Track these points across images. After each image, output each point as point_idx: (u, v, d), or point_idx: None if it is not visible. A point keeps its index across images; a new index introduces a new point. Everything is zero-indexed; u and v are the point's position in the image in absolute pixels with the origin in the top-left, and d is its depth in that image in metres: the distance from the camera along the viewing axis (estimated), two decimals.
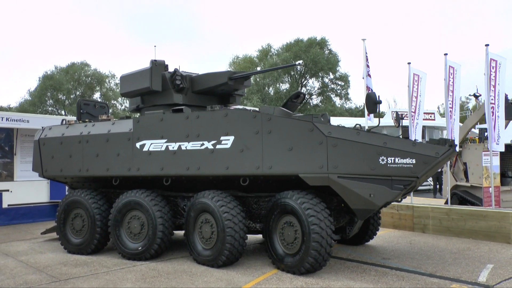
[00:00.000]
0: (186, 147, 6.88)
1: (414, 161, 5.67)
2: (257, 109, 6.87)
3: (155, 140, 7.15)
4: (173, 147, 6.99)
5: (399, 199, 6.56)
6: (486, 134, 19.79)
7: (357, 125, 6.26)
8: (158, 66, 7.71)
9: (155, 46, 10.00)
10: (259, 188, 6.87)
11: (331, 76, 42.45)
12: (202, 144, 6.75)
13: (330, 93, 42.80)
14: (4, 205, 11.92)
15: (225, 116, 6.61)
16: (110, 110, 8.63)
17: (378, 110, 6.02)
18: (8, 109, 41.59)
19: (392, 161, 5.73)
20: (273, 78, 42.89)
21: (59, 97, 41.95)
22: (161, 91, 7.74)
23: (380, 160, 5.76)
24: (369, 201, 5.81)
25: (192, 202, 6.94)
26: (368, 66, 10.66)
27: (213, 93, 8.04)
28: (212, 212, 6.61)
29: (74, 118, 9.46)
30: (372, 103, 5.98)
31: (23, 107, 39.61)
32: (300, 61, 6.89)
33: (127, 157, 7.38)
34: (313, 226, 5.88)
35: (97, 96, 43.63)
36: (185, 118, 6.93)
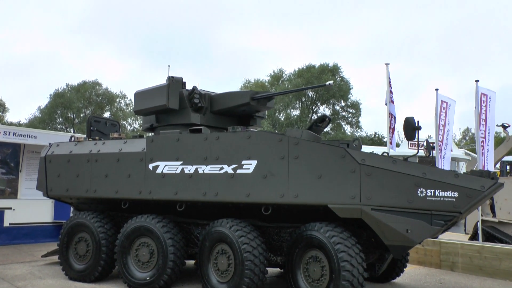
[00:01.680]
0: (203, 171, 6.37)
1: (456, 194, 5.12)
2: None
3: (170, 162, 6.64)
4: (189, 170, 6.48)
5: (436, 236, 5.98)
6: (508, 167, 19.21)
7: (384, 153, 5.74)
8: (175, 83, 7.28)
9: (169, 66, 9.60)
10: (281, 218, 6.32)
11: (342, 103, 42.15)
12: (222, 168, 6.24)
13: (340, 121, 42.39)
14: (6, 224, 11.40)
15: (248, 138, 6.12)
16: (123, 132, 8.17)
17: (417, 136, 5.50)
18: (18, 125, 41.49)
19: (432, 194, 5.19)
20: (284, 103, 42.64)
21: (69, 115, 41.87)
22: (178, 110, 7.29)
23: (418, 192, 5.21)
24: (406, 237, 5.24)
25: (207, 230, 6.39)
26: (391, 91, 10.19)
27: (233, 114, 7.57)
28: (230, 242, 6.04)
29: (84, 135, 9.00)
30: (411, 128, 5.47)
31: (33, 124, 39.49)
32: (331, 82, 6.43)
33: (139, 179, 6.87)
34: (343, 263, 5.30)
35: (106, 115, 43.50)
36: (204, 139, 6.44)
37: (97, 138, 8.00)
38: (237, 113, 7.51)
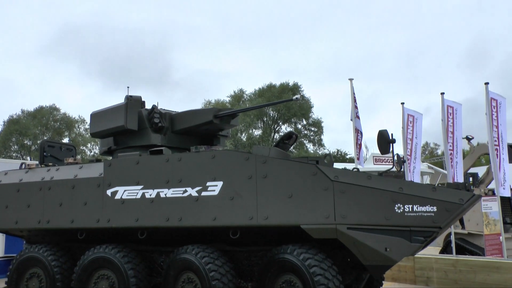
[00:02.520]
0: (165, 195, 5.92)
1: (435, 208, 4.90)
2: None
3: (130, 187, 6.16)
4: (150, 195, 6.02)
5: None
6: (470, 179, 19.52)
7: (355, 169, 5.49)
8: (133, 102, 6.85)
9: (128, 87, 9.14)
10: (251, 241, 5.93)
11: (304, 122, 42.36)
12: (185, 191, 5.81)
13: (303, 139, 42.52)
14: None
15: (212, 158, 5.74)
16: (79, 157, 7.58)
17: (392, 149, 5.28)
18: None
19: (410, 209, 4.94)
20: (246, 124, 42.46)
21: (25, 142, 40.12)
22: (137, 131, 6.84)
23: (396, 208, 4.96)
24: (385, 256, 4.95)
25: (172, 258, 5.92)
26: (356, 107, 10.09)
27: (196, 134, 7.18)
28: (197, 270, 5.60)
29: (36, 162, 8.36)
30: (385, 142, 5.24)
31: None
32: (298, 96, 6.17)
33: (96, 207, 6.34)
34: (320, 287, 4.95)
35: (65, 141, 41.97)
36: (165, 160, 6.01)
37: (50, 164, 7.41)
38: (200, 132, 7.13)
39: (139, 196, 6.08)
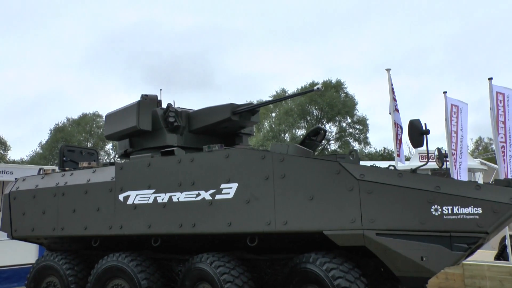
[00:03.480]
0: (178, 199, 5.46)
1: (480, 210, 4.15)
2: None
3: (141, 191, 5.75)
4: (162, 199, 5.58)
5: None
6: None
7: (391, 166, 4.79)
8: (147, 101, 6.45)
9: (160, 89, 8.76)
10: (274, 248, 5.37)
11: (349, 120, 41.18)
12: (198, 195, 5.33)
13: (348, 138, 41.34)
14: None
15: (226, 158, 5.22)
16: (94, 162, 7.24)
17: (426, 142, 4.55)
18: (21, 162, 40.97)
19: (450, 211, 4.22)
20: (289, 124, 41.85)
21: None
22: (152, 131, 6.43)
23: (432, 210, 4.26)
24: (421, 266, 4.25)
25: (187, 267, 5.45)
26: (395, 99, 9.26)
27: (215, 132, 6.69)
28: (212, 281, 5.10)
29: (53, 167, 8.16)
30: (417, 133, 4.51)
31: (34, 161, 38.93)
32: (319, 86, 5.55)
33: (108, 212, 5.97)
34: None
35: (109, 147, 42.83)
36: (177, 162, 5.56)
37: (67, 169, 7.15)
38: (219, 130, 6.62)
39: (151, 200, 5.65)
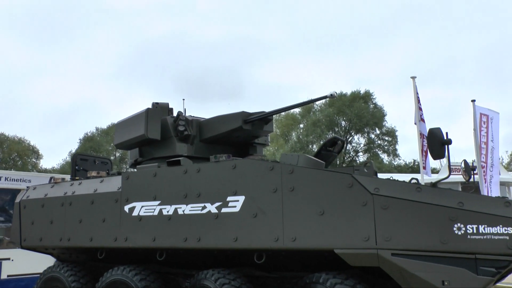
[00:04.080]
0: (183, 211, 5.19)
1: (510, 230, 3.71)
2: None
3: (147, 202, 5.51)
4: (167, 211, 5.31)
5: None
6: None
7: (413, 180, 4.38)
8: (157, 109, 6.24)
9: (183, 99, 8.59)
10: (283, 265, 5.02)
11: (377, 131, 40.34)
12: (204, 207, 5.04)
13: (376, 150, 40.48)
14: (3, 276, 10.51)
15: (233, 169, 4.92)
16: (103, 172, 7.03)
17: (447, 153, 4.13)
18: (52, 171, 41.77)
19: (475, 231, 3.80)
20: (317, 135, 41.32)
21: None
22: (162, 140, 6.21)
23: (455, 228, 3.84)
24: None
25: (192, 283, 5.16)
26: (420, 108, 8.82)
27: (227, 142, 6.41)
28: None
29: (63, 175, 8.04)
30: (438, 143, 4.10)
31: (64, 169, 39.61)
32: (333, 92, 5.21)
33: (114, 224, 5.75)
34: None
35: None
36: (183, 172, 5.29)
37: (77, 178, 6.99)
38: (231, 140, 6.35)
39: (156, 212, 5.40)
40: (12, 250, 10.52)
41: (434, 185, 4.12)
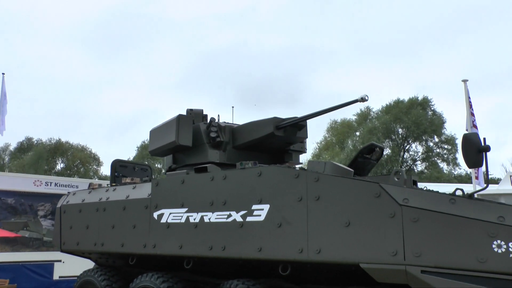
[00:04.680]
0: (209, 219, 5.08)
1: None
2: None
3: (175, 209, 5.45)
4: (194, 219, 5.23)
5: None
6: None
7: (458, 190, 4.00)
8: (189, 115, 6.21)
9: (232, 107, 8.54)
10: (311, 278, 4.78)
11: (436, 139, 38.66)
12: (229, 215, 4.90)
13: (435, 158, 38.78)
14: (55, 277, 10.94)
15: (259, 176, 4.75)
16: (137, 178, 7.07)
17: (485, 161, 3.74)
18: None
19: None
20: None
21: (156, 166, 43.01)
22: (194, 147, 6.15)
23: (494, 246, 3.45)
24: None
25: None
26: (472, 114, 8.25)
27: (260, 149, 6.26)
28: None
29: (101, 181, 8.18)
30: (474, 150, 3.71)
31: None
32: (364, 95, 4.90)
33: (144, 230, 5.75)
34: None
35: None
36: (210, 179, 5.19)
37: (113, 184, 7.09)
38: (263, 147, 6.19)
39: (183, 220, 5.33)
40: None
41: (471, 196, 3.74)
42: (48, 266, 11.22)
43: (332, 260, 4.10)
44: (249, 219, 4.72)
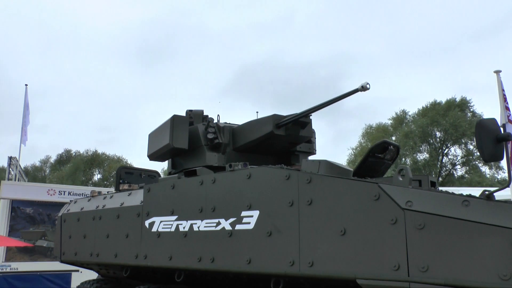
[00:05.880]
0: (198, 228, 4.59)
1: None
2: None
3: (165, 217, 5.00)
4: (184, 227, 4.75)
5: None
6: None
7: (485, 192, 3.34)
8: (184, 116, 5.77)
9: (257, 112, 8.06)
10: None
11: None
12: (218, 223, 4.40)
13: (476, 162, 36.94)
14: (73, 286, 10.77)
15: (248, 179, 4.23)
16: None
17: (507, 153, 3.07)
18: None
19: None
20: (409, 147, 38.85)
21: None
22: (192, 150, 5.71)
23: None
24: None
25: None
26: (507, 108, 7.44)
27: (262, 150, 5.74)
28: None
29: (103, 189, 7.85)
30: (492, 139, 3.04)
31: None
32: (365, 83, 4.29)
33: (136, 240, 5.32)
34: None
35: None
36: (199, 183, 4.71)
37: (114, 191, 6.73)
38: (265, 148, 5.66)
39: (173, 228, 4.87)
40: None
41: (489, 197, 3.08)
42: (65, 276, 11.07)
43: (325, 275, 3.52)
44: (238, 227, 4.21)
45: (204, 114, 6.29)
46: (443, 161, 38.76)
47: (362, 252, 3.33)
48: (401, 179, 3.49)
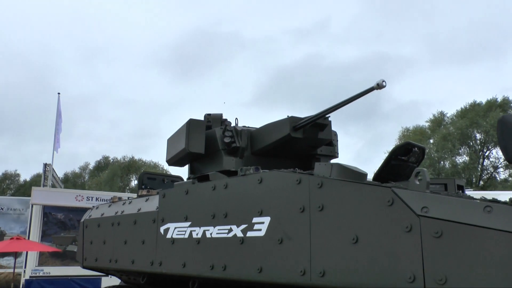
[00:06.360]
0: (211, 234, 4.46)
1: None
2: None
3: (179, 223, 4.90)
4: (197, 234, 4.63)
5: None
6: None
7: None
8: (201, 120, 5.67)
9: (288, 116, 7.93)
10: None
11: None
12: (230, 230, 4.25)
13: None
14: None
15: (259, 184, 4.07)
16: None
17: None
18: None
19: None
20: (448, 150, 37.71)
21: None
22: (209, 154, 5.60)
23: None
24: None
25: None
26: None
27: (280, 154, 5.56)
28: None
29: (122, 194, 7.84)
30: None
31: None
32: (381, 80, 4.05)
33: (151, 246, 5.25)
34: None
35: None
36: (211, 188, 4.58)
37: (134, 197, 6.70)
38: (284, 152, 5.48)
39: (187, 235, 4.76)
40: None
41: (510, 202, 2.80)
42: (95, 281, 11.19)
43: (337, 285, 3.31)
44: (249, 234, 4.05)
45: (223, 118, 6.17)
46: (484, 164, 37.36)
47: (374, 262, 3.10)
48: (418, 183, 3.24)
